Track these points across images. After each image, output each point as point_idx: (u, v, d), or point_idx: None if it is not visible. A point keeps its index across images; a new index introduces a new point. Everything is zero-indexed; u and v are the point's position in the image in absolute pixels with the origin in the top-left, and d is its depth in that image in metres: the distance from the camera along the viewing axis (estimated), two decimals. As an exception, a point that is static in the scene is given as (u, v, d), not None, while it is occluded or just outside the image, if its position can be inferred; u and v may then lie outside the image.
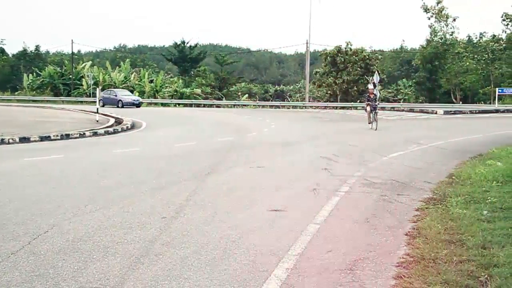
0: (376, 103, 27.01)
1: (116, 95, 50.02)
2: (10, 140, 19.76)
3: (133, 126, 27.93)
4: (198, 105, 57.23)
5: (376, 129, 25.18)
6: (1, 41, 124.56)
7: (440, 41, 64.55)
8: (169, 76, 74.34)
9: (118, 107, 47.93)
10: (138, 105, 49.58)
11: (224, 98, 62.77)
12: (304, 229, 7.56)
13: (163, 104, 58.24)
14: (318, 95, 68.29)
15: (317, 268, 5.95)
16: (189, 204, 9.21)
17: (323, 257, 6.37)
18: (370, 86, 27.91)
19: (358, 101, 58.63)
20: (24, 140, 20.16)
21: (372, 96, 27.18)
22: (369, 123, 26.37)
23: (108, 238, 7.14)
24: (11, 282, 5.50)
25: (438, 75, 65.08)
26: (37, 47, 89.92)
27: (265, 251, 6.58)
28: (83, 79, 66.77)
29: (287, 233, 7.35)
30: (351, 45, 62.31)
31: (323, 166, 13.77)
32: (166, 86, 65.40)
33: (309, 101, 60.97)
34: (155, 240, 7.03)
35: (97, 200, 9.49)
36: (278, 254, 6.42)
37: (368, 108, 26.76)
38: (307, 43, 61.37)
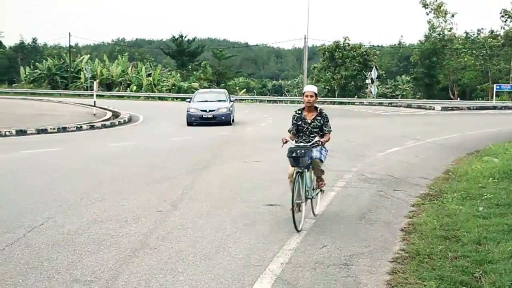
0: (317, 144, 7.84)
1: (189, 101, 27.40)
2: (7, 133, 19.71)
3: (130, 120, 27.90)
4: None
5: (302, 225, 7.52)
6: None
7: (438, 37, 64.48)
8: (167, 70, 74.19)
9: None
10: (215, 121, 25.44)
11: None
12: (300, 224, 7.55)
13: (160, 98, 58.11)
14: (316, 90, 68.24)
15: (312, 263, 5.94)
16: (184, 198, 9.20)
17: (318, 252, 6.37)
18: (309, 89, 8.14)
19: (356, 96, 58.65)
20: (20, 133, 20.12)
21: (309, 117, 8.11)
22: (291, 206, 7.31)
23: (103, 231, 7.13)
24: (6, 274, 5.48)
25: (436, 71, 65.04)
26: (34, 40, 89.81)
27: (260, 245, 6.57)
28: (81, 72, 66.59)
29: (282, 228, 7.34)
30: (349, 40, 62.29)
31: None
32: (164, 80, 65.27)
33: (306, 96, 60.80)
34: (150, 234, 7.02)
35: (92, 193, 9.48)
36: (273, 249, 6.41)
37: (291, 169, 7.74)
38: (305, 38, 61.23)
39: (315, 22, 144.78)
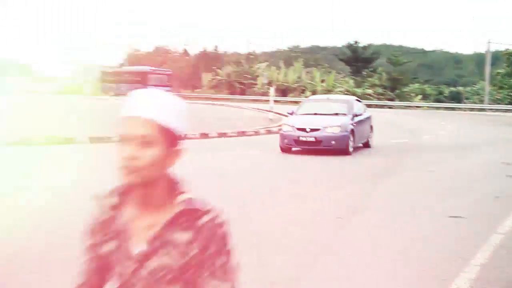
0: None
1: (291, 114, 18.48)
2: (191, 136, 20.94)
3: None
4: (369, 106, 56.36)
5: None
6: (185, 43, 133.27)
7: None
8: (341, 76, 74.26)
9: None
10: (319, 147, 15.99)
11: (396, 99, 61.40)
12: (487, 239, 7.12)
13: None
14: (499, 97, 64.20)
15: (503, 282, 5.57)
16: (363, 206, 9.12)
17: (509, 270, 5.96)
18: (138, 113, 1.60)
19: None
20: (203, 135, 21.27)
21: (141, 235, 1.67)
22: None
23: (282, 234, 7.28)
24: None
25: None
26: (215, 48, 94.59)
27: (444, 258, 6.30)
28: (258, 78, 68.89)
29: (468, 242, 6.97)
30: (537, 44, 57.98)
31: (505, 172, 12.90)
32: (338, 86, 65.41)
33: (488, 104, 57.46)
34: (330, 239, 7.04)
35: (272, 196, 9.74)
36: (459, 263, 6.10)
37: None
38: (488, 42, 58.04)
39: (498, 25, 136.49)
